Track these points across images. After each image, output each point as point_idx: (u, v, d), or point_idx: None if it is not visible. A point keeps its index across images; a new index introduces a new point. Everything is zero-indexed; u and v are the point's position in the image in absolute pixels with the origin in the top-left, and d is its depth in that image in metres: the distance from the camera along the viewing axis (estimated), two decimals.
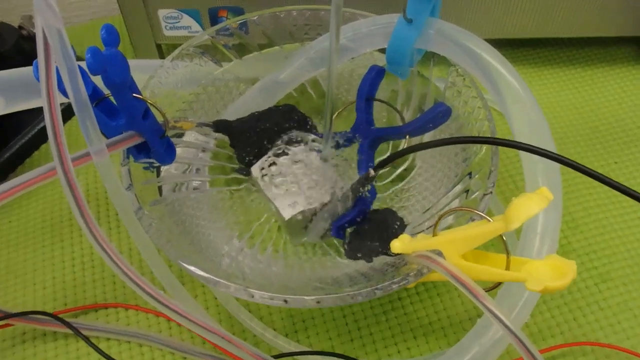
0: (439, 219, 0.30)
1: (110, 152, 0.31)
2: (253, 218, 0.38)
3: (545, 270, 0.27)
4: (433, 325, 0.38)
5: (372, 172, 0.34)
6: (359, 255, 0.34)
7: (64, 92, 0.30)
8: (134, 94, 0.32)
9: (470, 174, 0.35)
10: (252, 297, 0.28)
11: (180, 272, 0.40)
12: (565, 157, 0.28)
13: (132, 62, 0.31)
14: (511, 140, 0.30)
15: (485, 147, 0.35)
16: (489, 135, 0.35)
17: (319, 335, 0.38)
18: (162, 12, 0.48)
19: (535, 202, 0.25)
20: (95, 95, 0.33)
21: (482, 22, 0.48)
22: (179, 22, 0.48)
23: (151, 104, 0.33)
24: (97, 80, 0.32)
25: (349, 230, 0.35)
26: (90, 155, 0.30)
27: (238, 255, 0.35)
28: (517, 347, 0.26)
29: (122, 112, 0.33)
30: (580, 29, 0.49)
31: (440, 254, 0.29)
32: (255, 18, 0.41)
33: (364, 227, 0.35)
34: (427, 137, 0.39)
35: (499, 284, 0.29)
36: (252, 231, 0.37)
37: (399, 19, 0.36)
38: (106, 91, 0.32)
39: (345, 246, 0.34)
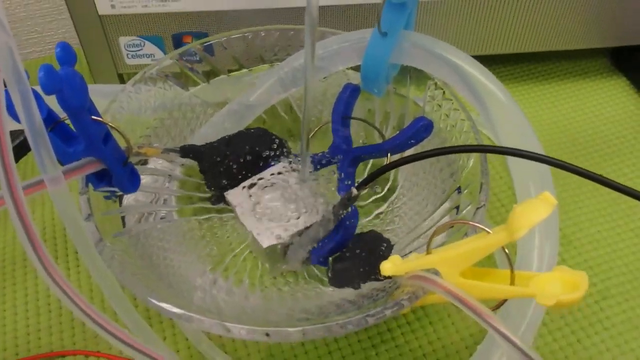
0: (433, 234, 0.27)
1: (67, 180, 0.28)
2: (226, 250, 0.35)
3: (555, 284, 0.24)
4: (427, 357, 0.35)
5: (354, 191, 0.32)
6: (344, 282, 0.31)
7: (14, 116, 0.27)
8: (93, 117, 0.29)
9: (459, 188, 0.32)
10: (229, 331, 0.25)
11: (146, 312, 0.37)
12: (558, 159, 0.26)
13: (92, 87, 0.29)
14: (499, 147, 0.28)
15: (473, 159, 0.33)
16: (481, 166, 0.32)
17: None
18: (123, 40, 0.45)
19: (539, 208, 0.23)
20: (50, 119, 0.30)
21: (455, 39, 0.47)
22: (141, 49, 0.46)
23: (112, 128, 0.30)
24: (52, 103, 0.29)
25: (331, 258, 0.33)
26: (44, 183, 0.27)
27: (212, 288, 0.31)
28: None
29: (81, 136, 0.30)
30: (552, 42, 0.48)
31: (437, 273, 0.26)
32: (222, 40, 0.39)
33: (348, 252, 0.32)
34: (408, 154, 0.36)
35: (504, 302, 0.26)
36: (226, 263, 0.34)
37: (373, 32, 0.35)
38: (62, 115, 0.30)
39: (329, 274, 0.32)
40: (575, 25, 0.47)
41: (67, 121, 0.30)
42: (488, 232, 0.25)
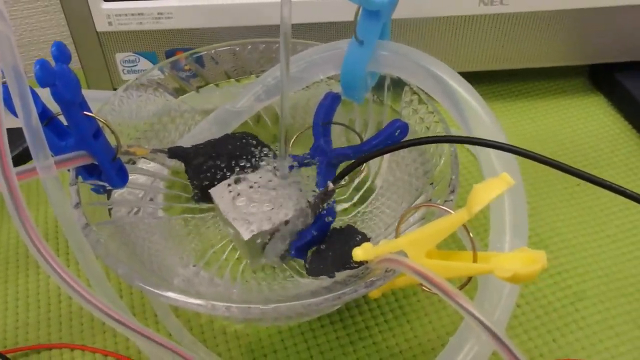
0: (401, 219, 0.29)
1: (58, 169, 0.30)
2: (208, 245, 0.36)
3: (514, 261, 0.26)
4: (404, 353, 0.36)
5: (330, 185, 0.33)
6: (320, 271, 0.32)
7: (11, 109, 0.29)
8: (85, 112, 0.31)
9: (432, 184, 0.34)
10: (214, 309, 0.26)
11: (132, 308, 0.38)
12: (525, 149, 0.28)
13: (85, 92, 0.31)
14: (467, 137, 0.30)
15: (444, 157, 0.34)
16: (449, 149, 0.34)
17: None
18: (119, 56, 0.48)
19: (495, 185, 0.25)
20: (44, 114, 0.32)
21: (436, 55, 0.49)
22: (136, 65, 0.48)
23: (103, 123, 0.32)
24: (48, 104, 0.31)
25: (309, 251, 0.34)
26: (37, 170, 0.29)
27: (194, 278, 0.33)
28: (501, 351, 0.24)
29: (72, 130, 0.31)
30: (530, 59, 0.50)
31: (405, 255, 0.27)
32: (211, 52, 0.41)
33: (324, 244, 0.33)
34: (386, 155, 0.38)
35: (468, 280, 0.28)
36: (207, 258, 0.35)
37: (350, 41, 0.37)
38: (56, 113, 0.32)
39: (306, 264, 0.33)
40: (553, 43, 0.50)
41: (61, 118, 0.32)
42: (450, 213, 0.27)
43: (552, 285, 0.39)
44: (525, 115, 0.53)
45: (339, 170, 0.35)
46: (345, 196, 0.40)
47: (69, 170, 0.33)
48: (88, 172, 0.33)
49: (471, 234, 0.27)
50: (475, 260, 0.27)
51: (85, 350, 0.36)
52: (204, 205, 0.37)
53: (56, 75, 0.29)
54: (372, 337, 0.37)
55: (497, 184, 0.25)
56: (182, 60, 0.41)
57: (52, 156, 0.30)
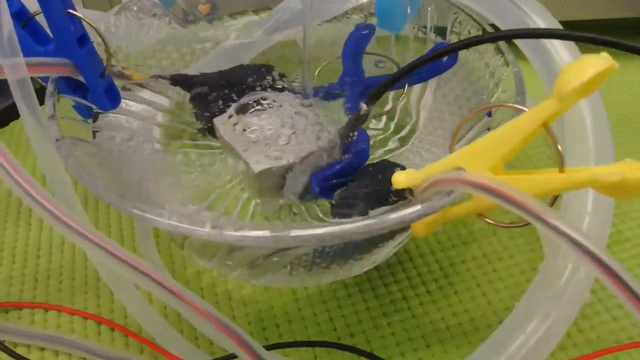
0: (456, 131, 0.22)
1: (31, 73, 0.24)
2: (212, 186, 0.30)
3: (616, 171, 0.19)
4: (452, 330, 0.29)
5: (363, 107, 0.27)
6: (349, 209, 0.25)
7: None
8: (69, 10, 0.25)
9: (489, 113, 0.27)
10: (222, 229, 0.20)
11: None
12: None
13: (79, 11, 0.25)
14: (546, 29, 0.23)
15: (502, 84, 0.28)
16: (515, 83, 0.27)
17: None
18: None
19: (592, 62, 0.18)
20: (21, 15, 0.27)
21: None
22: None
23: (91, 25, 0.26)
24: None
25: (337, 190, 0.27)
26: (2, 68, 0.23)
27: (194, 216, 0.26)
28: (606, 280, 0.17)
29: (52, 31, 0.26)
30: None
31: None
32: None
33: (356, 181, 0.27)
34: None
35: (555, 199, 0.21)
36: (211, 200, 0.29)
37: None
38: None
39: (333, 201, 0.26)
40: None
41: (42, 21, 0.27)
42: (524, 110, 0.20)
43: (636, 256, 0.32)
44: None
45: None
46: (380, 133, 0.33)
47: (44, 81, 0.27)
48: (71, 88, 0.28)
49: (554, 134, 0.20)
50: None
51: (62, 311, 0.29)
52: (210, 141, 0.31)
53: None
54: (410, 309, 0.30)
55: (594, 60, 0.18)
56: None
57: None
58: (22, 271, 0.32)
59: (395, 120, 0.33)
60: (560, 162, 0.19)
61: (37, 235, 0.34)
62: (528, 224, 0.21)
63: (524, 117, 0.19)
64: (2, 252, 0.33)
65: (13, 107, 0.33)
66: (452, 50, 0.26)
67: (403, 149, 0.31)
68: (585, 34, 0.21)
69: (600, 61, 0.18)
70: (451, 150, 0.23)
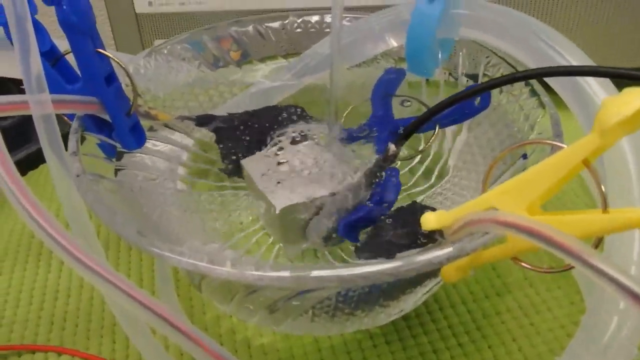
0: (491, 166, 0.21)
1: (56, 110, 0.24)
2: (236, 228, 0.29)
3: None
4: None
5: (392, 147, 0.26)
6: (376, 252, 0.24)
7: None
8: (98, 49, 0.26)
9: (524, 155, 0.26)
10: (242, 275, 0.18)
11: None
12: None
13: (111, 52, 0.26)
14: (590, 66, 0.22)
15: (537, 127, 0.27)
16: (552, 130, 0.26)
17: None
18: (158, 43, 0.43)
19: (637, 94, 0.17)
20: (52, 54, 0.27)
21: None
22: None
23: (118, 63, 0.26)
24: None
25: (363, 232, 0.26)
26: (28, 104, 0.23)
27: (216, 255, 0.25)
28: None
29: (80, 69, 0.26)
30: None
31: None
32: (258, 25, 0.36)
33: (383, 224, 0.25)
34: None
35: (600, 241, 0.19)
36: (234, 241, 0.28)
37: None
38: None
39: (358, 244, 0.25)
40: None
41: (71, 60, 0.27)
42: (563, 147, 0.19)
43: None
44: None
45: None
46: (411, 175, 0.32)
47: (70, 119, 0.27)
48: (97, 126, 0.28)
49: (597, 176, 0.19)
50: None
51: (76, 355, 0.28)
52: (236, 181, 0.30)
53: None
54: None
55: (637, 94, 0.17)
56: (226, 41, 0.35)
57: None
58: (39, 313, 0.31)
59: (427, 163, 0.32)
60: (603, 202, 0.18)
61: (57, 277, 0.33)
62: (568, 269, 0.19)
63: (563, 153, 0.18)
64: (20, 294, 0.32)
65: (41, 151, 0.34)
66: (482, 90, 0.26)
67: (433, 191, 0.30)
68: (619, 69, 0.20)
69: None
70: (484, 191, 0.21)
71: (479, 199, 0.20)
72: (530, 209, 0.19)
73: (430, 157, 0.32)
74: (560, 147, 0.20)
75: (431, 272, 0.22)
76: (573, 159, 0.18)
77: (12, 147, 0.21)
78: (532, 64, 0.29)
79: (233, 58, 0.36)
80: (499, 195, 0.20)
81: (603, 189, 0.19)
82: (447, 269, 0.21)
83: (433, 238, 0.22)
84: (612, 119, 0.16)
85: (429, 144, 0.29)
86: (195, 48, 0.35)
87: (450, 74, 0.34)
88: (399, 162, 0.31)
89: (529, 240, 0.17)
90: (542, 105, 0.27)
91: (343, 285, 0.20)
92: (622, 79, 0.20)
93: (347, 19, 0.36)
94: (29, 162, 0.41)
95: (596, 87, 0.25)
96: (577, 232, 0.17)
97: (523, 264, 0.21)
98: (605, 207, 0.18)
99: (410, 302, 0.25)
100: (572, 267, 0.18)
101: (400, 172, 0.30)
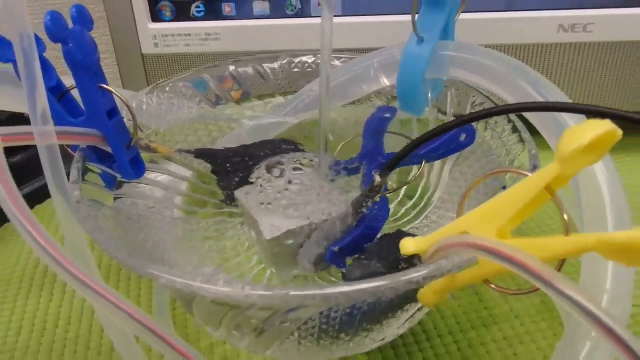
0: (465, 196, 0.22)
1: (60, 141, 0.26)
2: (230, 254, 0.30)
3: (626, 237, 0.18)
4: None
5: (377, 178, 0.27)
6: (360, 275, 0.25)
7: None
8: (101, 85, 0.28)
9: (504, 187, 0.27)
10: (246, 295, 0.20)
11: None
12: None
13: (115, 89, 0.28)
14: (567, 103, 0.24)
15: (517, 159, 0.28)
16: (529, 164, 0.27)
17: None
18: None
19: (594, 126, 0.18)
20: (58, 89, 0.29)
21: None
22: None
23: (120, 98, 0.28)
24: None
25: (350, 258, 0.27)
26: (32, 135, 0.25)
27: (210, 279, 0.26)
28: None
29: (84, 103, 0.28)
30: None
31: None
32: (257, 65, 0.38)
33: (369, 250, 0.26)
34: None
35: (562, 264, 0.20)
36: (228, 266, 0.29)
37: (409, 39, 0.32)
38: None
39: (345, 270, 0.26)
40: None
41: (75, 95, 0.29)
42: (528, 175, 0.20)
43: None
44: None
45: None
46: (398, 206, 0.33)
47: (73, 150, 0.29)
48: (99, 157, 0.29)
49: (560, 202, 0.20)
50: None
51: None
52: (233, 210, 0.32)
53: (70, 33, 0.26)
54: None
55: (594, 125, 0.18)
56: (228, 80, 0.37)
57: None
58: (40, 340, 0.32)
59: (414, 195, 0.33)
60: (565, 227, 0.19)
61: (58, 306, 0.34)
62: (533, 290, 0.20)
63: (528, 180, 0.19)
64: (22, 321, 0.33)
65: (46, 187, 0.35)
66: (460, 123, 0.27)
67: (419, 222, 0.31)
68: (594, 106, 0.21)
69: (602, 126, 0.18)
70: (458, 217, 0.22)
71: (453, 224, 0.21)
72: (500, 233, 0.20)
73: (419, 190, 0.33)
74: (526, 175, 0.21)
75: (410, 295, 0.23)
76: (536, 186, 0.19)
77: (19, 182, 0.22)
78: (514, 101, 0.30)
79: (234, 97, 0.38)
80: (471, 221, 0.21)
81: (565, 217, 0.20)
82: (425, 292, 0.22)
83: (413, 263, 0.23)
84: (569, 147, 0.18)
85: (414, 176, 0.30)
86: (197, 86, 0.37)
87: (440, 111, 0.36)
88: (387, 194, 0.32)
89: (497, 262, 0.18)
90: (522, 141, 0.28)
91: (325, 303, 0.21)
92: (591, 115, 0.22)
93: (343, 59, 0.38)
94: (37, 196, 0.43)
95: (572, 122, 0.27)
96: (540, 255, 0.18)
97: (492, 286, 0.21)
98: (567, 232, 0.19)
99: (394, 327, 0.26)
100: (537, 289, 0.19)
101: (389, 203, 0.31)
